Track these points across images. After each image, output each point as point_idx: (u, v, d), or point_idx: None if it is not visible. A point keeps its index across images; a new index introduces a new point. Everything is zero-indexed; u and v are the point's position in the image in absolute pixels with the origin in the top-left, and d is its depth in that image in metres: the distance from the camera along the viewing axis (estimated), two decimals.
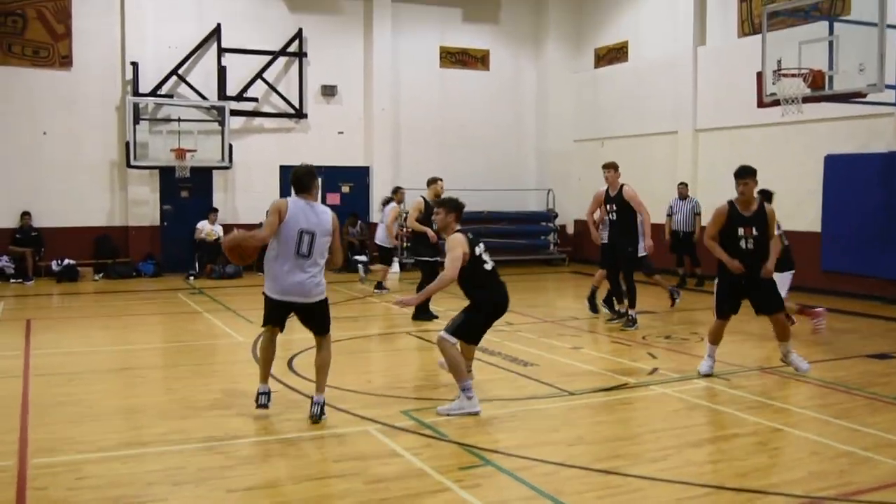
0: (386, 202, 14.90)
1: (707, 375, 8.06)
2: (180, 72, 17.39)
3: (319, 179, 6.63)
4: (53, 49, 16.65)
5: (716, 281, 8.32)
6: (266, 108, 18.35)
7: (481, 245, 6.98)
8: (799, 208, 14.69)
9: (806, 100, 11.45)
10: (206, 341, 10.47)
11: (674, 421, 6.67)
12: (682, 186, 15.56)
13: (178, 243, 17.40)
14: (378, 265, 14.96)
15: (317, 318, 6.69)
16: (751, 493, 5.05)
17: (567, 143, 20.68)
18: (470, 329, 6.91)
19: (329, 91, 18.81)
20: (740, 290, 8.03)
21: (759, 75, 12.05)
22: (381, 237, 14.68)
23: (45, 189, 16.68)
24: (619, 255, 11.13)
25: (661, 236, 14.71)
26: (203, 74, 17.65)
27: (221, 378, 8.23)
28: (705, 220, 15.50)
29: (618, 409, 7.06)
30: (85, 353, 9.58)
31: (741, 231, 7.88)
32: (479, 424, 6.54)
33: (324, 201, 18.66)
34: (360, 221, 18.70)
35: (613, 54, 19.61)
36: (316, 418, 6.50)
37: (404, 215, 15.37)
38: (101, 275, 16.79)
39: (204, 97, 17.52)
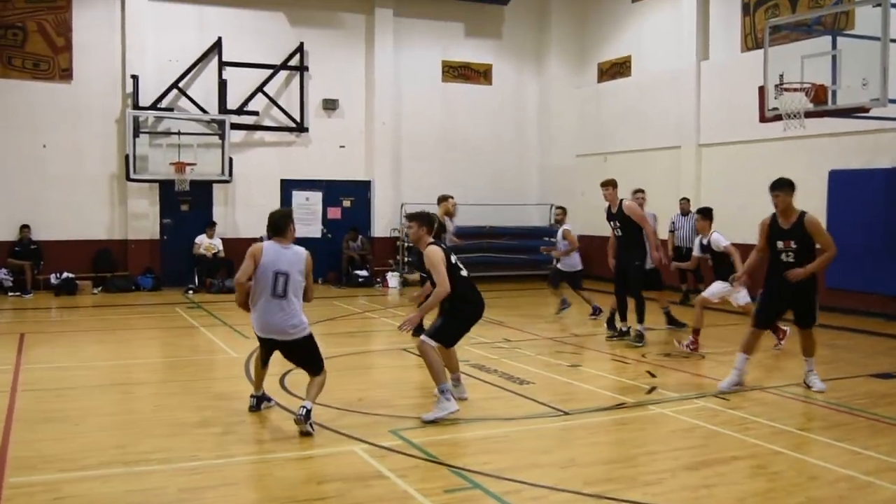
0: None
1: (725, 392, 7.99)
2: (181, 85, 17.35)
3: (294, 223, 7.06)
4: (54, 62, 16.63)
5: (760, 291, 8.27)
6: (267, 122, 18.29)
7: (454, 255, 7.28)
8: None
9: (808, 115, 11.30)
10: (201, 356, 10.35)
11: (670, 442, 6.50)
12: (685, 202, 15.42)
13: (177, 257, 17.31)
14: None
15: (303, 356, 6.95)
16: None
17: (570, 157, 20.56)
18: (448, 333, 7.24)
19: (330, 105, 18.74)
20: (783, 301, 7.96)
21: (762, 90, 11.91)
22: None
23: (44, 202, 16.63)
24: (627, 269, 10.98)
25: (666, 252, 14.55)
26: (204, 88, 17.60)
27: (212, 395, 8.08)
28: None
29: (613, 429, 6.89)
30: (77, 367, 9.45)
31: (780, 244, 7.92)
32: (469, 445, 6.40)
33: (325, 216, 18.75)
34: (360, 236, 18.59)
35: (616, 69, 19.51)
36: (300, 419, 6.49)
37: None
38: (99, 288, 16.70)
39: (204, 110, 17.46)
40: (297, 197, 18.65)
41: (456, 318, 7.21)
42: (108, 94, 17.04)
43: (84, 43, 16.81)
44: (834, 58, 11.57)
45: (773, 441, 6.45)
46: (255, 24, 18.17)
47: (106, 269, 16.96)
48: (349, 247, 18.43)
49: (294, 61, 18.32)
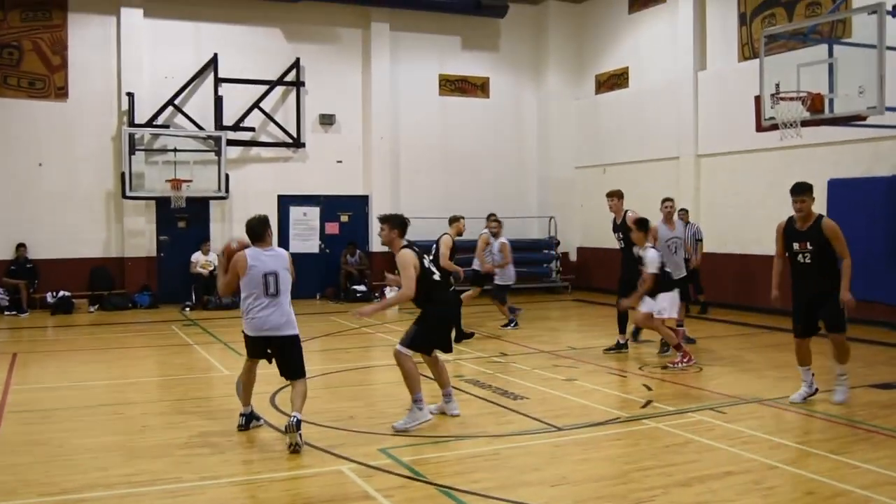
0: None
1: (796, 403, 7.95)
2: (177, 102, 17.32)
3: (273, 227, 7.41)
4: (49, 80, 16.62)
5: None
6: (263, 138, 18.24)
7: (427, 258, 7.38)
8: None
9: (805, 123, 11.18)
10: (193, 375, 10.22)
11: (664, 458, 6.36)
12: (683, 213, 15.28)
13: (174, 274, 17.22)
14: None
15: (293, 355, 7.00)
16: None
17: (569, 169, 20.49)
18: (424, 341, 7.26)
19: (327, 120, 18.70)
20: (811, 307, 7.88)
21: (758, 99, 11.80)
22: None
23: (40, 220, 16.58)
24: (634, 284, 10.84)
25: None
26: (200, 104, 17.57)
27: (201, 415, 7.97)
28: (707, 245, 15.37)
29: (606, 445, 6.74)
30: (66, 388, 9.35)
31: (796, 246, 7.90)
32: (458, 463, 6.27)
33: (322, 231, 18.66)
34: (358, 251, 18.49)
35: (614, 80, 19.45)
36: (292, 427, 6.48)
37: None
38: (96, 307, 16.62)
39: (201, 127, 17.42)
40: (295, 212, 18.58)
41: (428, 322, 7.25)
42: (104, 111, 17.02)
43: (79, 61, 16.81)
44: (830, 66, 11.47)
45: (770, 455, 6.31)
46: (251, 40, 18.15)
47: (103, 287, 16.88)
48: (347, 262, 18.33)
49: (290, 77, 18.30)
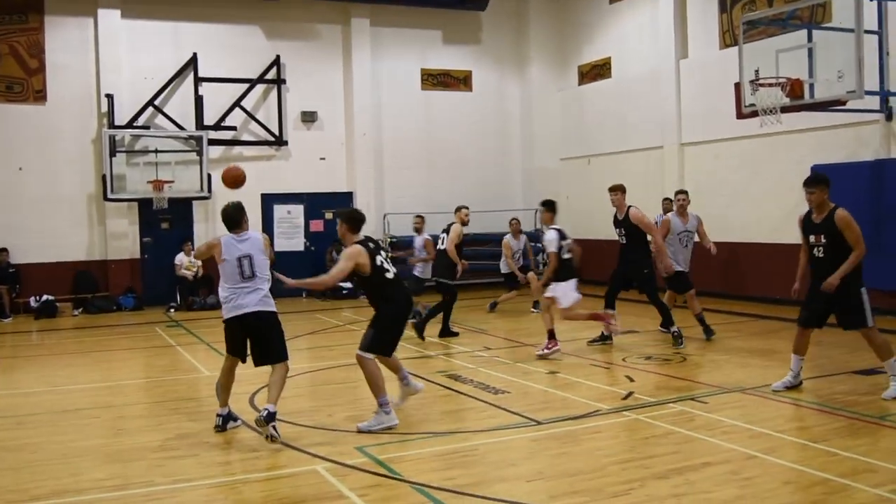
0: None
1: (778, 391, 7.92)
2: (157, 102, 17.18)
3: (257, 226, 7.30)
4: (27, 84, 16.46)
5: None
6: (245, 137, 18.11)
7: (382, 254, 7.24)
8: (787, 220, 14.32)
9: (785, 109, 11.15)
10: (172, 377, 10.11)
11: (643, 450, 6.30)
12: (667, 202, 15.19)
13: (159, 276, 17.11)
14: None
15: (273, 336, 6.98)
16: None
17: (553, 161, 20.40)
18: (381, 343, 7.16)
19: (309, 117, 18.58)
20: (818, 299, 7.71)
21: (737, 86, 11.75)
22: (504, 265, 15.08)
23: (22, 225, 16.43)
24: (636, 279, 10.79)
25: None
26: (180, 104, 17.44)
27: (178, 417, 7.87)
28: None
29: (585, 438, 6.66)
30: (43, 393, 9.22)
31: (812, 238, 7.79)
32: (435, 459, 6.20)
33: (307, 228, 18.55)
34: (343, 248, 18.35)
35: (597, 71, 19.37)
36: (261, 421, 6.52)
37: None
38: (80, 310, 16.49)
39: (181, 127, 17.29)
40: (279, 210, 18.48)
41: (382, 322, 7.17)
42: (84, 114, 16.88)
43: (57, 64, 16.66)
44: (810, 51, 11.44)
45: (749, 445, 6.25)
46: (231, 39, 18.01)
47: (87, 290, 16.75)
48: (333, 259, 18.17)
49: (271, 75, 18.17)
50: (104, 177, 16.51)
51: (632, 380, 8.77)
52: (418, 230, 13.92)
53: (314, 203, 18.74)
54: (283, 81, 18.26)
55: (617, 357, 10.15)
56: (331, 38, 18.85)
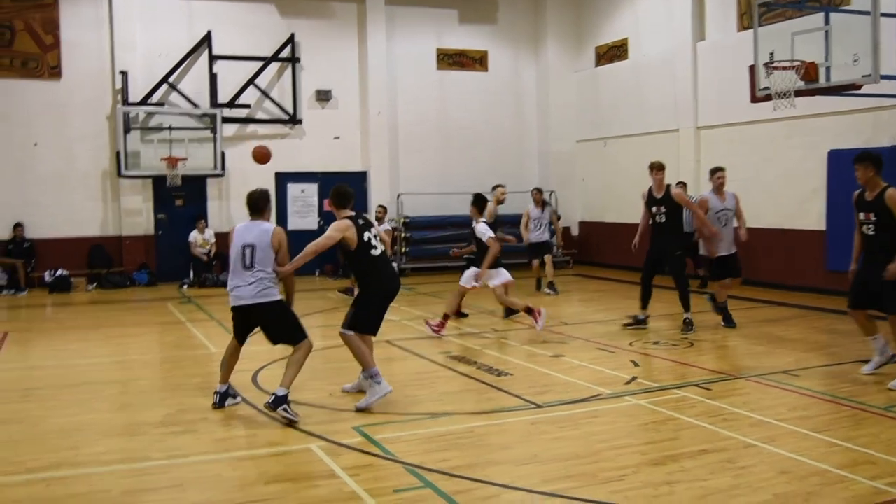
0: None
1: (869, 374, 7.92)
2: (171, 80, 17.19)
3: (273, 201, 7.64)
4: (42, 60, 16.51)
5: None
6: (259, 115, 18.10)
7: (371, 230, 7.24)
8: (802, 206, 14.23)
9: (800, 93, 10.95)
10: (179, 352, 10.18)
11: (640, 436, 6.27)
12: (682, 185, 15.05)
13: (172, 252, 17.18)
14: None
15: (278, 324, 7.01)
16: None
17: (569, 143, 20.26)
18: (363, 321, 7.16)
19: (324, 96, 18.52)
20: (865, 281, 7.69)
21: (752, 69, 11.57)
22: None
23: (37, 200, 16.55)
24: (662, 259, 10.65)
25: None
26: (194, 82, 17.43)
27: (181, 392, 7.92)
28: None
29: (583, 422, 6.62)
30: (51, 367, 9.30)
31: (862, 216, 7.74)
32: (431, 441, 6.19)
33: (321, 207, 18.53)
34: None
35: (614, 52, 19.16)
36: (268, 407, 6.66)
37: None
38: (94, 285, 16.62)
39: (196, 105, 17.30)
40: (293, 189, 18.49)
41: (365, 298, 7.18)
42: (98, 90, 16.92)
43: (72, 40, 16.68)
44: (826, 34, 11.22)
45: (748, 433, 6.19)
46: (245, 17, 17.95)
47: (101, 265, 16.87)
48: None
49: (285, 53, 18.12)
50: (118, 153, 16.58)
51: (636, 364, 8.72)
52: (380, 219, 14.66)
53: (328, 182, 18.62)
54: (298, 60, 18.20)
55: (623, 342, 10.07)
56: (346, 17, 18.75)
